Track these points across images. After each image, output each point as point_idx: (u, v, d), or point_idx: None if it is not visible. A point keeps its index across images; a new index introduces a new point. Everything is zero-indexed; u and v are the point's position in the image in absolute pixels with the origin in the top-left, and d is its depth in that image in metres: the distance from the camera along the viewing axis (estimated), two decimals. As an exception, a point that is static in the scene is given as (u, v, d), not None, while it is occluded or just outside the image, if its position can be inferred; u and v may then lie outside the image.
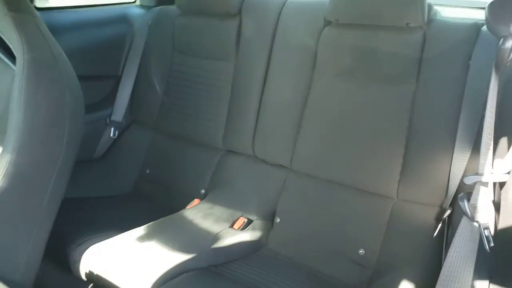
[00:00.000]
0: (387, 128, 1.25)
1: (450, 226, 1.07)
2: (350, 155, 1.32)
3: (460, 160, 1.06)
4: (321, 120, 1.40)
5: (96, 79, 1.87)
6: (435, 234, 1.11)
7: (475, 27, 1.18)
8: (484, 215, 0.60)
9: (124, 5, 2.06)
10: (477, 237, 0.60)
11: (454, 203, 1.08)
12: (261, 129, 1.54)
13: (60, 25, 1.71)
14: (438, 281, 0.60)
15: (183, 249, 1.17)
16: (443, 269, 0.60)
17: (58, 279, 1.31)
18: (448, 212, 1.08)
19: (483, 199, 0.61)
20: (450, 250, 0.60)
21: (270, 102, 1.53)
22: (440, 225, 1.10)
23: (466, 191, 1.01)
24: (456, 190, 1.08)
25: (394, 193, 1.24)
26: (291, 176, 1.47)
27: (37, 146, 0.92)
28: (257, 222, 1.43)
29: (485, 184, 0.62)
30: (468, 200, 0.63)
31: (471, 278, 0.59)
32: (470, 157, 1.05)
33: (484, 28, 1.18)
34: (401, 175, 1.22)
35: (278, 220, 1.44)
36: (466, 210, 0.62)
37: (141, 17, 1.95)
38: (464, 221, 0.64)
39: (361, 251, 1.26)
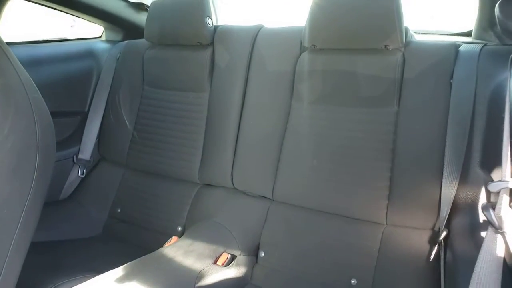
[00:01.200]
0: (371, 152, 1.24)
1: (447, 248, 1.03)
2: (334, 182, 1.29)
3: (451, 179, 1.05)
4: (302, 148, 1.37)
5: (62, 115, 1.78)
6: (431, 258, 1.07)
7: (454, 46, 1.21)
8: (510, 224, 0.57)
9: (90, 40, 2.01)
10: (504, 247, 0.57)
11: (449, 224, 1.06)
12: (240, 160, 1.50)
13: (25, 59, 1.63)
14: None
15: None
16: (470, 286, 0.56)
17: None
18: (444, 234, 1.05)
19: (507, 207, 0.59)
20: (476, 266, 0.56)
21: (247, 132, 1.50)
22: (436, 248, 1.07)
23: (462, 211, 1.00)
24: (450, 211, 1.05)
25: (383, 218, 1.21)
26: (274, 207, 1.42)
27: (4, 183, 0.83)
28: (241, 257, 1.36)
29: (507, 191, 0.60)
30: (493, 210, 0.60)
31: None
32: (461, 175, 1.04)
33: (462, 47, 1.21)
34: (389, 199, 1.19)
35: (263, 254, 1.37)
36: (493, 221, 0.58)
37: (107, 51, 1.91)
38: (489, 233, 0.61)
39: (353, 281, 1.20)
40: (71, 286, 1.09)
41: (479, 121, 1.05)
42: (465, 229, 0.95)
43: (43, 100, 0.93)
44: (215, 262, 1.29)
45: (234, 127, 1.52)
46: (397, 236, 1.18)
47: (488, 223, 0.63)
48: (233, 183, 1.51)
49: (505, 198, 0.60)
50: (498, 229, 0.60)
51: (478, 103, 1.06)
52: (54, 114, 0.99)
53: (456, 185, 1.03)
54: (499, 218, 0.59)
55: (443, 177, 1.07)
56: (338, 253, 1.25)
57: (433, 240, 1.11)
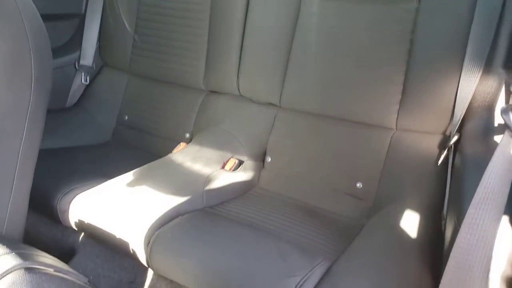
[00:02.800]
0: (385, 54, 1.17)
1: (457, 153, 1.02)
2: (344, 86, 1.25)
3: (468, 82, 1.00)
4: (311, 50, 1.30)
5: (56, 18, 1.69)
6: (439, 162, 1.07)
7: None
8: None
9: None
10: None
11: (461, 129, 1.04)
12: (246, 65, 1.44)
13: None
14: (471, 204, 0.56)
15: (175, 192, 1.11)
16: (477, 190, 0.55)
17: (48, 230, 1.24)
18: (455, 138, 1.03)
19: None
20: (486, 171, 0.55)
21: (254, 35, 1.42)
22: (445, 152, 1.06)
23: (477, 115, 0.97)
24: (464, 115, 1.02)
25: (393, 123, 1.19)
26: (281, 113, 1.40)
27: (2, 93, 0.80)
28: (248, 162, 1.37)
29: None
30: None
31: (505, 200, 0.56)
32: (481, 77, 0.99)
33: None
34: (401, 104, 1.16)
35: (270, 160, 1.39)
36: (511, 124, 0.56)
37: None
38: (506, 137, 0.58)
39: (358, 185, 1.22)
40: (83, 191, 1.13)
41: (509, 16, 0.96)
42: (478, 133, 0.93)
43: (31, 1, 0.87)
44: (223, 167, 1.31)
45: (239, 31, 1.43)
46: (406, 141, 1.17)
47: (504, 127, 0.60)
48: (239, 90, 1.47)
49: None
50: None
51: None
52: (47, 17, 0.93)
53: (474, 87, 0.98)
54: None
55: (461, 79, 1.02)
56: (345, 157, 1.25)
57: (443, 144, 1.09)
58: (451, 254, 0.59)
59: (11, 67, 0.81)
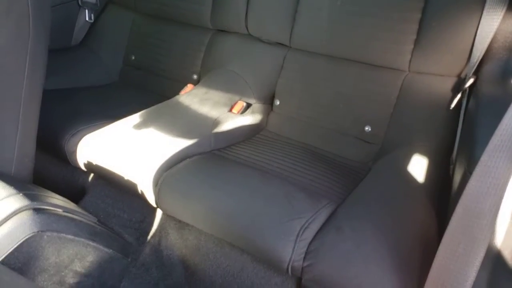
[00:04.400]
0: None
1: (471, 97, 0.99)
2: (356, 26, 1.19)
3: (491, 20, 0.93)
4: None
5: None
6: (452, 106, 1.04)
7: None
8: None
9: None
10: None
11: (478, 71, 0.99)
12: (255, 2, 1.37)
13: None
14: (486, 151, 0.54)
15: (183, 135, 1.10)
16: (493, 137, 0.53)
17: (57, 170, 1.26)
18: (471, 81, 0.98)
19: None
20: (505, 117, 0.52)
21: None
22: (459, 96, 1.02)
23: (496, 57, 0.91)
24: (483, 56, 0.97)
25: (406, 65, 1.14)
26: (291, 54, 1.35)
27: (1, 26, 0.77)
28: (256, 105, 1.35)
29: None
30: None
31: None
32: (505, 15, 0.92)
33: None
34: (416, 44, 1.10)
35: (278, 103, 1.36)
36: None
37: None
38: None
39: (367, 128, 1.20)
40: (91, 131, 1.13)
41: None
42: (496, 76, 0.89)
43: None
44: (230, 110, 1.29)
45: None
46: (418, 84, 1.13)
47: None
48: (247, 29, 1.42)
49: None
50: None
51: None
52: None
53: (496, 26, 0.92)
54: None
55: (482, 16, 0.96)
56: (355, 100, 1.22)
57: (457, 87, 1.05)
58: (460, 200, 0.58)
59: (6, 1, 0.77)
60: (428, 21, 1.07)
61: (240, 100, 1.33)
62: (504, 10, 0.91)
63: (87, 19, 1.69)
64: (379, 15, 1.15)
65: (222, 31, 1.50)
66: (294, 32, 1.32)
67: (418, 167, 0.99)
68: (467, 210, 0.58)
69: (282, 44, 1.37)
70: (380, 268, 0.74)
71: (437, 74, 1.10)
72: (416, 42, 1.10)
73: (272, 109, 1.39)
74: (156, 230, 1.08)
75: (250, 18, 1.40)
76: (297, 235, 0.80)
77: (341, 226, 0.81)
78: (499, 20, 0.92)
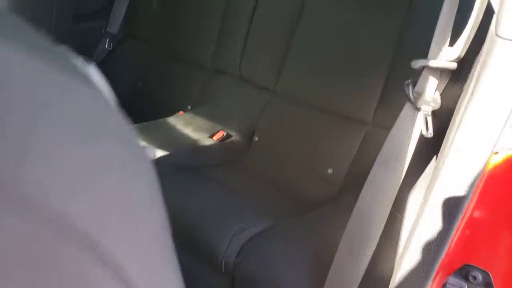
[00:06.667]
0: (373, 52, 1.28)
1: None
2: (332, 79, 1.36)
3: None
4: (310, 43, 1.42)
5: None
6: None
7: None
8: (428, 103, 0.63)
9: None
10: (417, 124, 0.64)
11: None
12: (250, 49, 1.57)
13: None
14: (375, 164, 0.66)
15: (159, 146, 1.24)
16: (381, 152, 0.65)
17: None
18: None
19: (429, 86, 0.64)
20: (389, 135, 0.65)
21: (260, 22, 1.55)
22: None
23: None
24: None
25: (369, 118, 1.28)
26: (274, 99, 1.52)
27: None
28: (236, 137, 1.50)
29: (432, 71, 0.64)
30: (414, 87, 0.66)
31: (405, 162, 0.65)
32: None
33: None
34: (380, 100, 1.25)
35: (257, 139, 1.51)
36: (410, 96, 0.65)
37: None
38: (406, 108, 0.68)
39: (329, 170, 1.33)
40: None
41: None
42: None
43: None
44: (211, 137, 1.44)
45: (248, 16, 1.57)
46: (378, 137, 1.25)
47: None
48: (240, 71, 1.60)
49: (426, 75, 0.65)
50: (414, 106, 0.66)
51: None
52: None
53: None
54: (417, 94, 0.65)
55: None
56: (321, 145, 1.36)
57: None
58: (356, 204, 0.70)
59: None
60: (392, 78, 1.23)
61: (222, 130, 1.48)
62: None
63: (106, 46, 1.92)
64: (351, 69, 1.32)
65: (220, 71, 1.69)
66: (279, 80, 1.50)
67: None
68: (361, 214, 0.69)
69: (268, 90, 1.55)
70: (298, 269, 0.83)
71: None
72: (381, 97, 1.25)
73: (250, 144, 1.53)
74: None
75: (244, 61, 1.59)
76: (234, 234, 0.91)
77: (274, 234, 0.92)
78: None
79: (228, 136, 1.48)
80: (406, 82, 0.66)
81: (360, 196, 0.68)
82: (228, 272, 0.90)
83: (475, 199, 0.54)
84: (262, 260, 0.85)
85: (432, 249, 0.55)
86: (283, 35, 1.48)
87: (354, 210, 0.70)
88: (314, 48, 1.41)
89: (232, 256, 0.89)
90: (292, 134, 1.43)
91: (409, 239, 0.61)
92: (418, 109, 0.65)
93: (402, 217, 0.67)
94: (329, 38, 1.38)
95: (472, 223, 0.56)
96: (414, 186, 0.67)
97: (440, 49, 0.60)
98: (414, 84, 0.66)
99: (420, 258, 0.56)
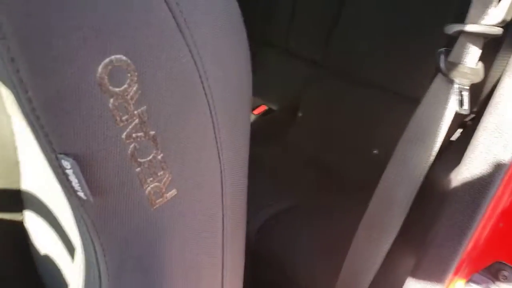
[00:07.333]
0: (433, 27, 1.14)
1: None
2: (387, 54, 1.24)
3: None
4: (363, 14, 1.31)
5: None
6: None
7: None
8: (465, 75, 0.53)
9: None
10: (451, 98, 0.55)
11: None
12: (298, 19, 1.49)
13: None
14: (402, 140, 0.58)
15: None
16: (408, 126, 0.57)
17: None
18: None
19: (466, 56, 0.53)
20: (417, 109, 0.56)
21: None
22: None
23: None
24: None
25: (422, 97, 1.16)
26: (321, 73, 1.43)
27: None
28: (278, 112, 1.44)
29: (470, 38, 0.52)
30: (447, 55, 0.55)
31: (437, 140, 0.56)
32: None
33: None
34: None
35: (300, 114, 1.44)
36: (442, 66, 0.54)
37: None
38: (438, 79, 0.58)
39: (375, 151, 1.23)
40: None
41: None
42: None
43: None
44: (252, 111, 1.39)
45: None
46: None
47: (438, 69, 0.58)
48: (286, 43, 1.53)
49: (463, 43, 0.53)
50: (447, 77, 0.55)
51: None
52: None
53: None
54: (451, 65, 0.55)
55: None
56: (368, 124, 1.26)
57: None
58: (377, 188, 0.62)
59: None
60: None
61: (263, 104, 1.43)
62: None
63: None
64: (407, 45, 1.19)
65: (264, 42, 1.62)
66: (328, 53, 1.40)
67: None
68: (381, 198, 0.62)
69: (315, 62, 1.46)
70: (316, 252, 0.78)
71: None
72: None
73: (293, 119, 1.46)
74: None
75: (291, 33, 1.51)
76: (257, 209, 0.87)
77: (300, 214, 0.87)
78: None
79: (270, 110, 1.43)
80: (439, 50, 0.56)
81: (384, 176, 0.60)
82: (248, 247, 0.87)
83: (513, 187, 0.45)
84: (282, 238, 0.81)
85: (454, 240, 0.47)
86: (334, 4, 1.37)
87: (376, 191, 0.62)
88: (367, 20, 1.30)
89: (253, 231, 0.85)
90: (338, 110, 1.34)
91: (431, 227, 0.53)
92: (451, 82, 0.55)
93: (430, 203, 0.59)
94: (385, 12, 1.25)
95: (507, 215, 0.46)
96: (446, 168, 0.58)
97: (481, 11, 0.49)
98: (448, 53, 0.55)
99: (440, 249, 0.48)
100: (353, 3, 1.33)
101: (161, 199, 0.29)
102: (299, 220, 0.83)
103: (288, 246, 0.79)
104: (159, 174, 0.28)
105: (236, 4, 0.31)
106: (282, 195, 0.93)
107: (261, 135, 1.37)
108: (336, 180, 1.18)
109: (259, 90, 1.46)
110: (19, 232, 0.69)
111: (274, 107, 1.43)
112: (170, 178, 0.29)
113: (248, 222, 0.84)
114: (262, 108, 1.41)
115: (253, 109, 1.40)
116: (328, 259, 0.76)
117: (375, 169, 1.20)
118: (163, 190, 0.29)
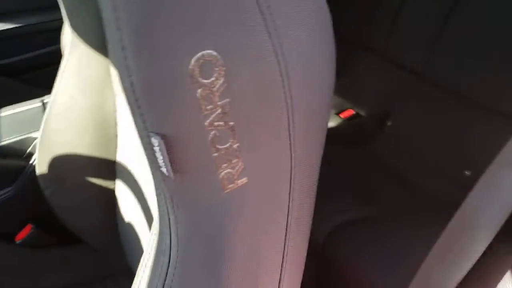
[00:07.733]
0: None
1: None
2: (493, 71, 1.14)
3: None
4: (470, 28, 1.22)
5: None
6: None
7: None
8: None
9: None
10: None
11: None
12: (400, 24, 1.43)
13: None
14: (496, 161, 0.54)
15: None
16: (504, 149, 0.53)
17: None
18: None
19: None
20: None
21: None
22: None
23: None
24: None
25: None
26: (419, 83, 1.36)
27: None
28: (366, 118, 1.41)
29: None
30: None
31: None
32: None
33: None
34: None
35: (390, 123, 1.39)
36: None
37: None
38: None
39: (466, 172, 1.15)
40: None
41: None
42: None
43: None
44: (338, 114, 1.38)
45: None
46: None
47: None
48: (386, 47, 1.48)
49: None
50: None
51: None
52: None
53: None
54: None
55: None
56: (464, 141, 1.18)
57: None
58: (460, 209, 0.59)
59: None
60: None
61: (351, 108, 1.40)
62: None
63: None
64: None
65: (361, 45, 1.58)
66: (430, 63, 1.33)
67: None
68: (463, 220, 0.58)
69: (413, 71, 1.40)
70: (382, 267, 0.75)
71: None
72: None
73: (382, 128, 1.42)
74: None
75: (393, 37, 1.45)
76: (329, 214, 0.87)
77: (372, 225, 0.84)
78: None
79: (358, 115, 1.40)
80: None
81: (469, 197, 0.57)
82: (314, 250, 0.87)
83: None
84: (349, 247, 0.80)
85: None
86: (439, 14, 1.29)
87: (458, 212, 0.58)
88: (474, 34, 1.21)
89: (322, 235, 0.85)
90: (432, 124, 1.27)
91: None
92: None
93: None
94: (494, 26, 1.15)
95: None
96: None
97: None
98: None
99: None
100: (462, 10, 1.24)
101: (232, 185, 0.32)
102: (372, 233, 0.81)
103: (354, 256, 0.77)
104: (233, 161, 0.31)
105: (325, 4, 0.32)
106: (360, 203, 0.91)
107: (348, 139, 1.35)
108: (420, 198, 1.13)
109: (349, 93, 1.44)
110: (112, 200, 0.78)
111: (362, 113, 1.40)
112: (242, 167, 0.31)
113: (320, 223, 0.85)
114: (349, 112, 1.38)
115: (340, 112, 1.38)
116: (396, 278, 0.74)
117: (465, 191, 1.12)
118: (235, 177, 0.32)
